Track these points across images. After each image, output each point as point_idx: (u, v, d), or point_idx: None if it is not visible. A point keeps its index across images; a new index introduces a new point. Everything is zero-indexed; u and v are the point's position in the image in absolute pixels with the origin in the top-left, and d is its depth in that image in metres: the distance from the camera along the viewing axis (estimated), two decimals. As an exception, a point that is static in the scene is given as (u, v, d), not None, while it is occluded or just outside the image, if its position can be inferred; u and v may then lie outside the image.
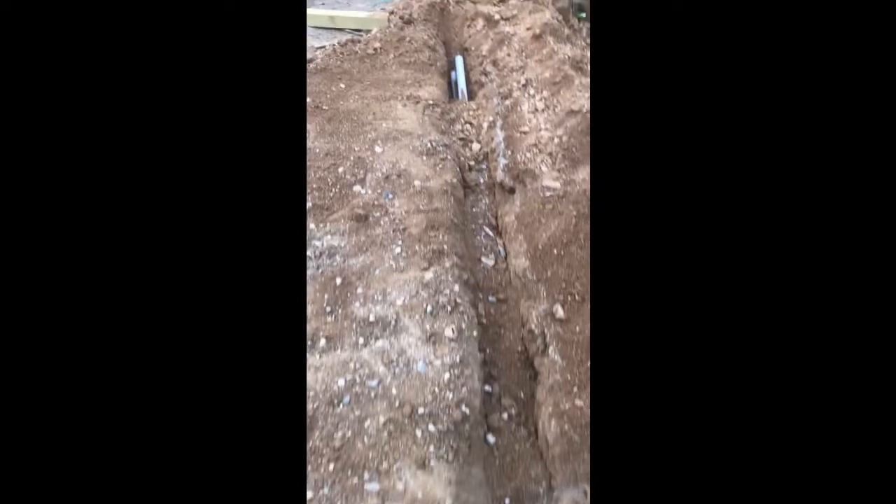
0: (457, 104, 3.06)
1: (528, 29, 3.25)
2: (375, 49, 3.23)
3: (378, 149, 2.42)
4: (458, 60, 3.57)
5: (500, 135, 2.54)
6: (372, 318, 1.62)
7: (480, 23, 3.63)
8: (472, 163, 2.58)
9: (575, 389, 1.49)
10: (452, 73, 3.53)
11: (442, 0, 3.76)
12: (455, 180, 2.29)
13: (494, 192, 2.41)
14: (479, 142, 2.71)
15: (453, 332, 1.57)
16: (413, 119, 2.68)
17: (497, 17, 3.58)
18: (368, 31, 3.64)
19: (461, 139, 2.74)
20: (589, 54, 2.98)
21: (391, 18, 3.61)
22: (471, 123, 2.86)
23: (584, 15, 3.79)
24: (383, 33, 3.38)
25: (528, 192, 2.16)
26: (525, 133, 2.47)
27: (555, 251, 1.87)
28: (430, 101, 2.87)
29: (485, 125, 2.77)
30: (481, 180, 2.49)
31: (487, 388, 1.63)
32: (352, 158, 2.35)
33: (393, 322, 1.61)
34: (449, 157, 2.41)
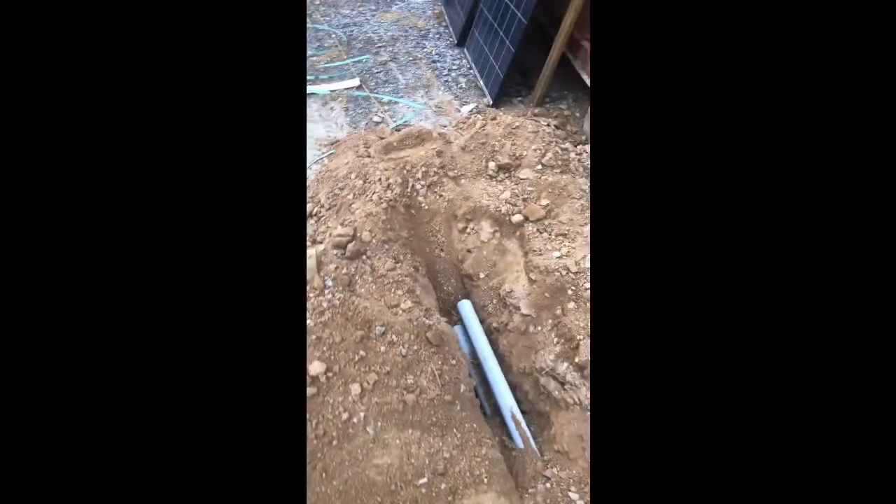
0: (536, 492, 1.36)
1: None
2: (316, 379, 1.43)
3: None
4: (466, 310, 1.88)
5: None
6: None
7: (486, 229, 1.98)
8: None
9: None
10: (460, 337, 1.82)
11: (403, 189, 2.05)
12: None
13: None
14: None
15: None
16: None
17: (517, 215, 1.95)
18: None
19: None
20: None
21: (323, 256, 1.81)
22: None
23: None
24: (317, 308, 1.58)
25: None
26: None
27: None
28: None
29: None
30: None
31: None
32: None
33: None
34: None
